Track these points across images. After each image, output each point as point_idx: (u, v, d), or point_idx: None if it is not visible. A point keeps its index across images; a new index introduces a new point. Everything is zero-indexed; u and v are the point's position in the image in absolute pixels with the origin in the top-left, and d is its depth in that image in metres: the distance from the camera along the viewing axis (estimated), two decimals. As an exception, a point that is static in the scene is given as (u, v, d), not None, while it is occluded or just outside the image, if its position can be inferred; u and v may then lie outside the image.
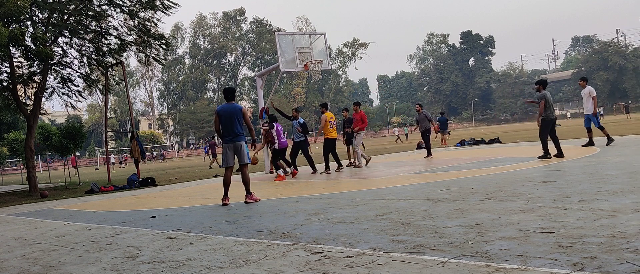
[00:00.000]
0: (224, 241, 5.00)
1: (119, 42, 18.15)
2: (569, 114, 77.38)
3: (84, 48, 18.51)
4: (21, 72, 18.05)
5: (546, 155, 10.65)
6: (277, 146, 13.03)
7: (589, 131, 13.43)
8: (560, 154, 10.68)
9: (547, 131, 10.72)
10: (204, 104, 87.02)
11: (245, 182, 8.14)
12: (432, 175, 9.89)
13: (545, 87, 10.84)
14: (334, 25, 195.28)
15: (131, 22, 17.91)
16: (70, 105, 20.00)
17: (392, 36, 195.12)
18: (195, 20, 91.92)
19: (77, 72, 19.16)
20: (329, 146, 13.49)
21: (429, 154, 15.52)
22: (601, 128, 13.39)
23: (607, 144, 12.90)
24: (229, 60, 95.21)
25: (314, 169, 13.39)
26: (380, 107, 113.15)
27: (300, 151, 13.68)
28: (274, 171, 13.55)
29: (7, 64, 17.03)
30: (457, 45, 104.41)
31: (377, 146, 32.53)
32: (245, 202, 7.98)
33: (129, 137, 19.11)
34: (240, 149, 8.03)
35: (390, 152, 22.21)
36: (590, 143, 13.26)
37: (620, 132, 19.78)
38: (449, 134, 31.40)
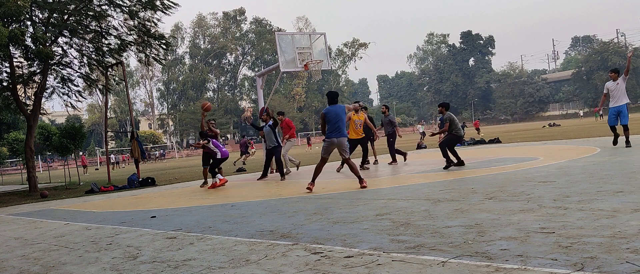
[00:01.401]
0: (224, 241, 5.00)
1: (119, 42, 18.15)
2: (581, 113, 76.10)
3: (84, 48, 18.52)
4: (21, 72, 18.06)
5: (450, 164, 11.07)
6: (219, 156, 12.21)
7: (614, 128, 12.09)
8: (460, 162, 11.21)
9: (454, 145, 11.51)
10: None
11: (355, 172, 8.63)
12: (432, 175, 9.89)
13: (448, 109, 11.67)
14: (334, 25, 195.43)
15: (131, 22, 17.92)
16: (70, 105, 20.02)
17: (392, 36, 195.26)
18: (195, 20, 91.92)
19: (77, 72, 19.17)
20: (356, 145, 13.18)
21: (393, 160, 14.40)
22: (625, 126, 12.03)
23: (623, 145, 11.83)
24: (229, 60, 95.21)
25: (283, 176, 12.88)
26: (381, 107, 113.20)
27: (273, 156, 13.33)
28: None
29: (7, 64, 17.03)
30: (457, 45, 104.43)
31: (378, 145, 32.53)
32: (362, 187, 8.42)
33: (129, 137, 19.14)
34: (343, 144, 8.73)
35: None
36: (625, 141, 11.87)
37: (620, 132, 19.77)
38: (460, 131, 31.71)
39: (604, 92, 12.31)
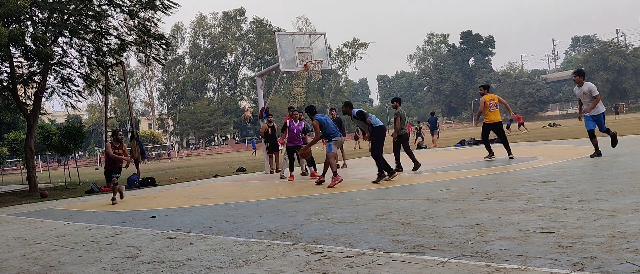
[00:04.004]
0: (224, 241, 5.00)
1: (119, 42, 18.16)
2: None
3: (84, 48, 18.54)
4: (21, 72, 18.07)
5: (398, 168, 11.09)
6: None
7: (593, 136, 10.34)
8: (394, 169, 10.78)
9: (399, 144, 11.53)
10: (204, 104, 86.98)
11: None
12: (432, 175, 9.89)
13: (400, 103, 11.68)
14: (334, 25, 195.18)
15: (131, 22, 17.93)
16: (70, 105, 20.04)
17: (392, 36, 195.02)
18: (195, 20, 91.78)
19: (77, 72, 19.20)
20: (486, 131, 12.32)
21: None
22: (605, 131, 10.33)
23: (593, 156, 10.06)
24: (229, 60, 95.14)
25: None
26: (380, 107, 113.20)
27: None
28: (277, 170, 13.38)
29: (7, 64, 17.04)
30: (457, 45, 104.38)
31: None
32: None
33: (129, 137, 19.16)
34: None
35: (389, 153, 22.20)
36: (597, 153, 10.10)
37: (620, 132, 19.77)
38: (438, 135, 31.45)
39: (579, 96, 10.47)
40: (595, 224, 4.11)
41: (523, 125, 36.26)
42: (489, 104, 12.00)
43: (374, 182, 9.28)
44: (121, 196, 10.91)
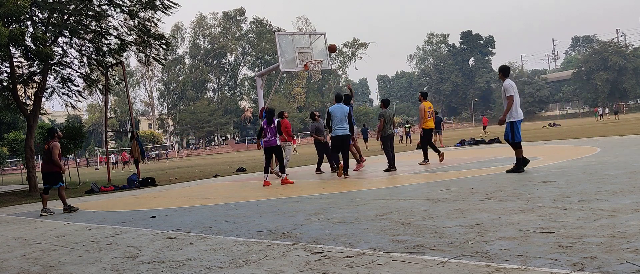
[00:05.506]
0: (224, 241, 5.00)
1: (119, 42, 18.16)
2: (606, 110, 67.28)
3: (84, 48, 18.53)
4: (21, 72, 18.07)
5: (391, 168, 11.55)
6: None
7: (517, 146, 8.73)
8: (391, 167, 11.57)
9: (388, 145, 11.81)
10: (204, 104, 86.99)
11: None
12: (432, 175, 9.89)
13: (387, 106, 12.20)
14: (334, 25, 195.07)
15: (131, 22, 17.92)
16: (70, 105, 20.04)
17: (392, 36, 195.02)
18: (195, 20, 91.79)
19: (77, 72, 19.20)
20: (427, 136, 12.68)
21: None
22: (514, 144, 8.72)
23: (510, 170, 8.62)
24: (229, 60, 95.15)
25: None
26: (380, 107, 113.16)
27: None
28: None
29: (7, 64, 17.04)
30: (457, 45, 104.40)
31: (377, 145, 32.54)
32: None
33: (129, 137, 19.17)
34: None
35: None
36: (519, 167, 8.58)
37: (620, 132, 19.79)
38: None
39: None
40: (595, 224, 4.11)
41: (485, 128, 39.22)
42: (428, 112, 12.61)
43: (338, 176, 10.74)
44: (46, 209, 9.73)
